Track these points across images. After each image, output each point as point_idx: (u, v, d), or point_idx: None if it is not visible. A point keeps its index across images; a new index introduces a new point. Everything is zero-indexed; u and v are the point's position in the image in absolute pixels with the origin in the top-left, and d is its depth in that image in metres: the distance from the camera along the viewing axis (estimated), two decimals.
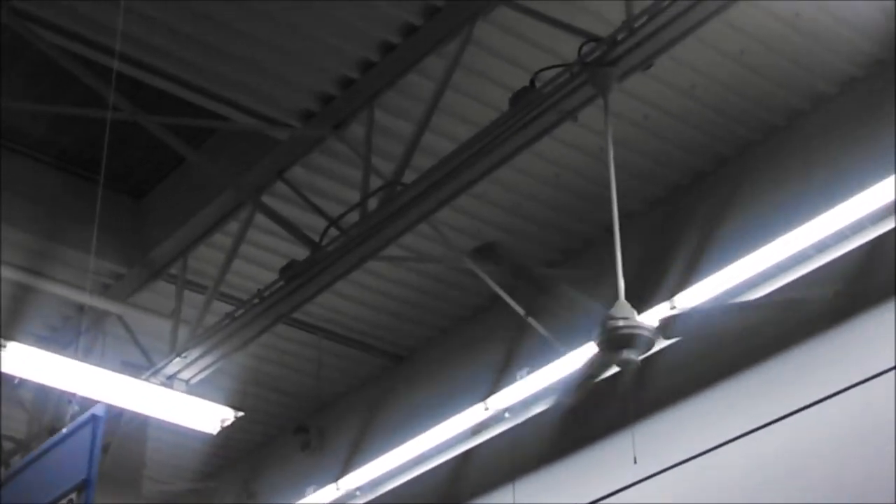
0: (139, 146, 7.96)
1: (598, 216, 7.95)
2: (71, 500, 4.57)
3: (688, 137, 7.56)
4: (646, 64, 6.16)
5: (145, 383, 7.80)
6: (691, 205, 7.77)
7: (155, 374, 7.90)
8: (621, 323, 5.58)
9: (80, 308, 8.68)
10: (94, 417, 4.62)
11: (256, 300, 7.50)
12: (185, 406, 7.85)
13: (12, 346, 7.29)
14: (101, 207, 8.08)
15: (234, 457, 10.46)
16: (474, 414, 8.08)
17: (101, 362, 8.27)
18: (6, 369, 7.42)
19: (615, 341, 5.60)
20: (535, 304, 7.75)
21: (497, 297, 7.95)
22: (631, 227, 6.90)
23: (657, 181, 7.87)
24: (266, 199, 7.70)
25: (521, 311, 7.88)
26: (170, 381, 7.90)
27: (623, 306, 5.64)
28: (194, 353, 7.77)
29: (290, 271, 7.29)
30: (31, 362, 7.40)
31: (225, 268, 7.86)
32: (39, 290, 8.30)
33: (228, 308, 7.92)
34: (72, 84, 7.16)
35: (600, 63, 6.10)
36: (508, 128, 6.38)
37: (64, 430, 5.01)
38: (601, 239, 8.03)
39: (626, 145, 7.52)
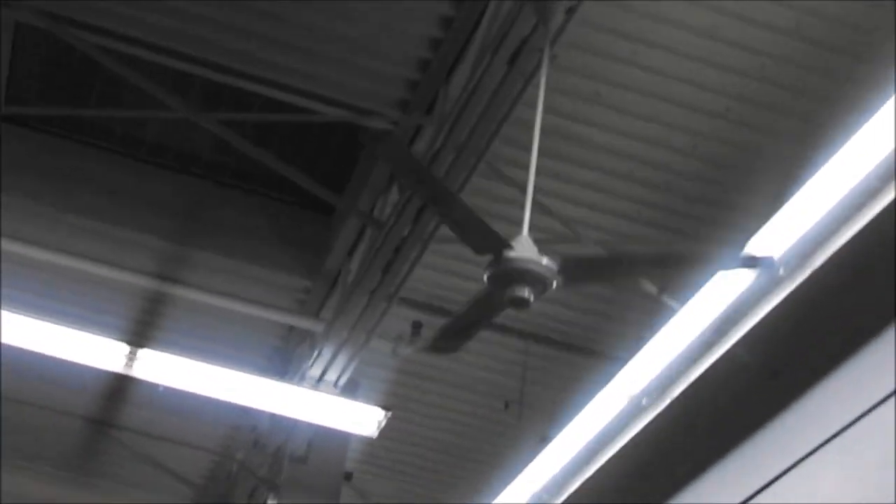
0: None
1: None
2: None
3: None
4: None
5: (289, 386, 7.75)
6: None
7: (303, 377, 7.84)
8: (514, 257, 5.12)
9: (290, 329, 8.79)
10: None
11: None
12: (331, 408, 7.72)
13: (144, 353, 7.51)
14: (289, 225, 8.35)
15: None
16: None
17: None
18: (142, 375, 7.67)
19: (505, 277, 5.12)
20: None
21: None
22: None
23: None
24: None
25: None
26: (319, 385, 7.81)
27: (523, 241, 5.18)
28: (328, 352, 7.63)
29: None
30: (167, 368, 7.59)
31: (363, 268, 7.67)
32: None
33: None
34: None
35: None
36: None
37: None
38: None
39: None
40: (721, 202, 7.14)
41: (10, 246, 7.80)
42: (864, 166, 5.75)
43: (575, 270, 5.28)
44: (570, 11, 5.68)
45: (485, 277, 5.18)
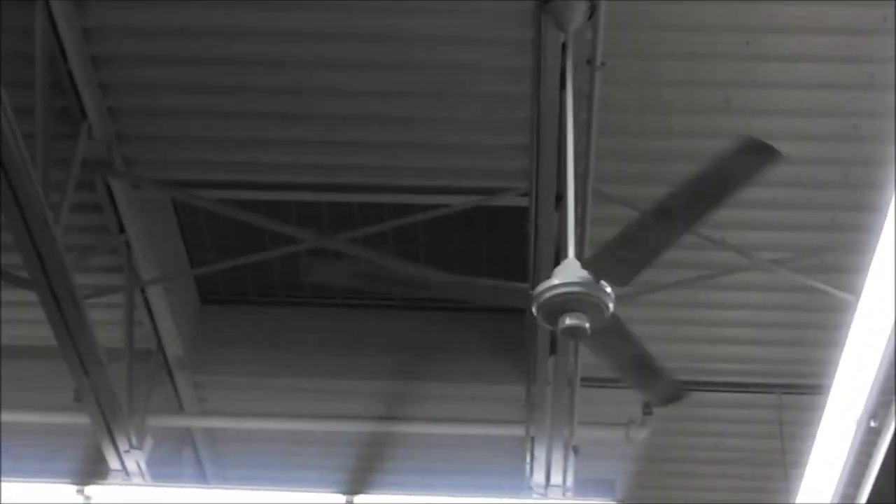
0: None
1: None
2: None
3: None
4: None
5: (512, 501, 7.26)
6: None
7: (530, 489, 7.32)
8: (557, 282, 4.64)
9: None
10: None
11: None
12: None
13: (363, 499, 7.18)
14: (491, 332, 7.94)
15: None
16: None
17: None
18: None
19: (550, 307, 4.57)
20: None
21: None
22: None
23: None
24: None
25: None
26: (546, 492, 7.28)
27: (570, 266, 4.62)
28: (541, 455, 7.09)
29: None
30: None
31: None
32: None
33: None
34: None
35: None
36: None
37: None
38: None
39: None
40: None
41: (224, 422, 7.88)
42: None
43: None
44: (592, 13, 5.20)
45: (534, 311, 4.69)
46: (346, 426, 7.91)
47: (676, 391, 5.38)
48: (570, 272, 4.64)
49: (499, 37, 5.94)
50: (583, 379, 7.22)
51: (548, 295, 4.61)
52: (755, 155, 4.19)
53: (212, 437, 8.49)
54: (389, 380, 7.87)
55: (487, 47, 6.00)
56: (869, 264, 5.76)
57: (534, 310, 4.67)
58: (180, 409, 8.06)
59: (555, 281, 4.63)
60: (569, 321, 4.57)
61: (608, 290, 4.63)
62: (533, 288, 4.71)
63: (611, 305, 4.61)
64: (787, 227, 6.77)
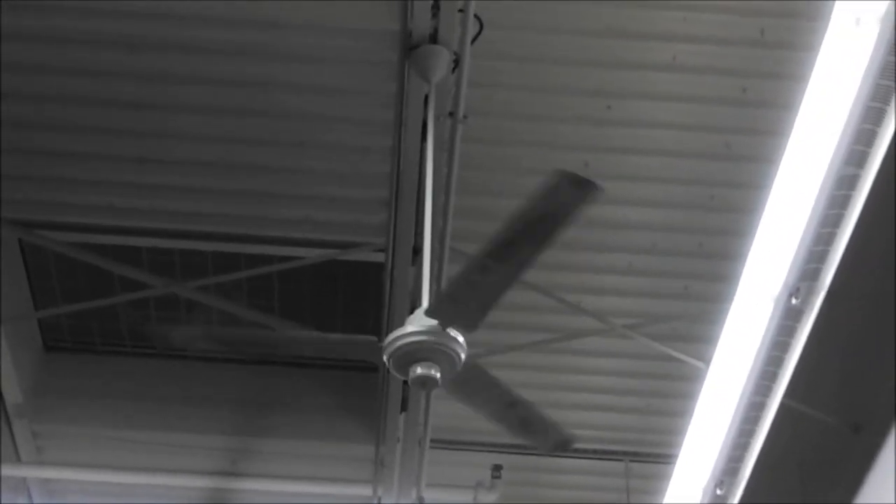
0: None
1: None
2: None
3: None
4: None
5: None
6: None
7: None
8: (409, 330, 4.58)
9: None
10: None
11: None
12: None
13: None
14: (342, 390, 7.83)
15: None
16: None
17: None
18: None
19: (401, 356, 4.53)
20: None
21: None
22: None
23: None
24: None
25: None
26: None
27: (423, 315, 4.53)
28: None
29: None
30: None
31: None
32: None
33: None
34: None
35: None
36: None
37: None
38: None
39: None
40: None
41: (62, 473, 7.66)
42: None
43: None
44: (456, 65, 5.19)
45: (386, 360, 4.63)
46: (188, 481, 7.73)
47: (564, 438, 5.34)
48: (422, 321, 4.58)
49: (364, 88, 5.88)
50: (432, 440, 7.17)
51: (398, 343, 4.56)
52: (575, 190, 4.17)
53: (48, 488, 8.23)
54: (235, 435, 7.71)
55: (352, 98, 5.95)
56: (719, 334, 5.79)
57: (385, 359, 4.60)
58: (17, 458, 7.79)
59: (407, 329, 4.57)
60: (419, 370, 4.51)
61: (460, 339, 4.58)
62: (382, 342, 4.65)
63: (462, 354, 4.56)
64: (641, 294, 6.80)
